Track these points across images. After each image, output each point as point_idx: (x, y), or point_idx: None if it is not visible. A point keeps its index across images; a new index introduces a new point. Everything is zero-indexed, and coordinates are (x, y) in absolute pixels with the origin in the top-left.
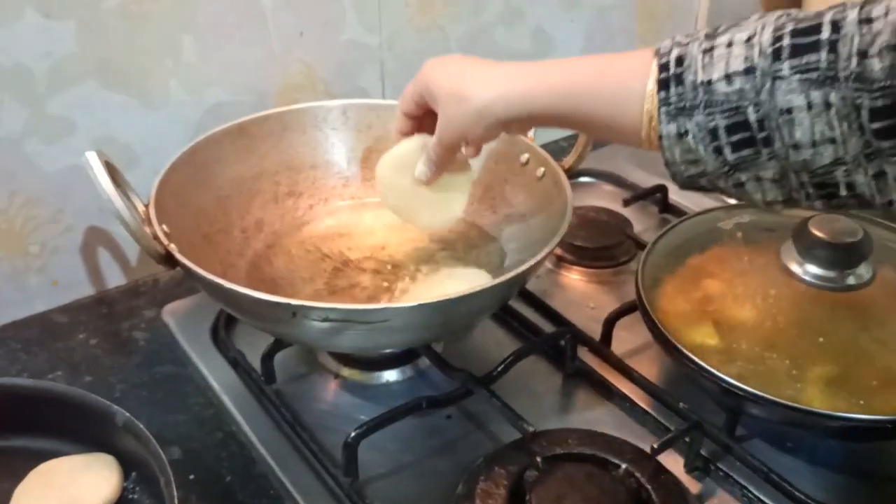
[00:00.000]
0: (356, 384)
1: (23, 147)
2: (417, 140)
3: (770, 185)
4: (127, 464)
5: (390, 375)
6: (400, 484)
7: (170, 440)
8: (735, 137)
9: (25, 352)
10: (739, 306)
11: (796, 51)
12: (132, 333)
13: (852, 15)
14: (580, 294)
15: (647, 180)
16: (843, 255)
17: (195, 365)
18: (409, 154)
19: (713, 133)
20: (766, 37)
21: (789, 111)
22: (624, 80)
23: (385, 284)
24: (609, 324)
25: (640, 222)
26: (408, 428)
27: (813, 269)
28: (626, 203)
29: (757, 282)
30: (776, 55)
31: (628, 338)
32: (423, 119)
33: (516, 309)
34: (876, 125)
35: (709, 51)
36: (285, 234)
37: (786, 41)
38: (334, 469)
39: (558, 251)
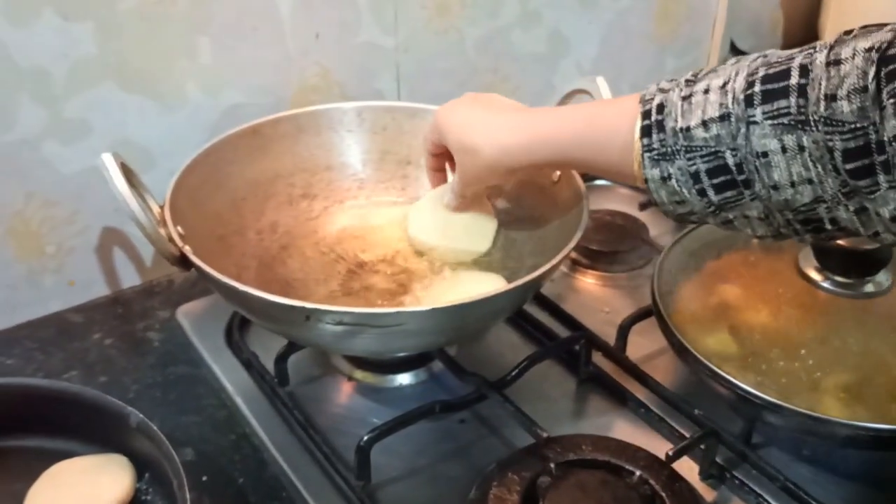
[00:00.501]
0: (369, 387)
1: (40, 148)
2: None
3: (758, 222)
4: (140, 465)
5: (404, 379)
6: (412, 488)
7: (183, 441)
8: (717, 180)
9: (41, 351)
10: (756, 313)
11: (767, 97)
12: (147, 334)
13: (820, 58)
14: (595, 298)
15: None
16: (861, 263)
17: (209, 366)
18: (438, 196)
19: (695, 176)
20: (740, 83)
21: (765, 154)
22: (612, 128)
23: (399, 287)
24: (624, 329)
25: (656, 226)
26: (421, 432)
27: (831, 276)
28: (643, 207)
29: (774, 288)
30: (749, 101)
31: (643, 343)
32: (449, 156)
33: (531, 313)
34: (850, 166)
35: (687, 98)
36: (300, 235)
37: (757, 87)
38: (346, 472)
39: (573, 255)
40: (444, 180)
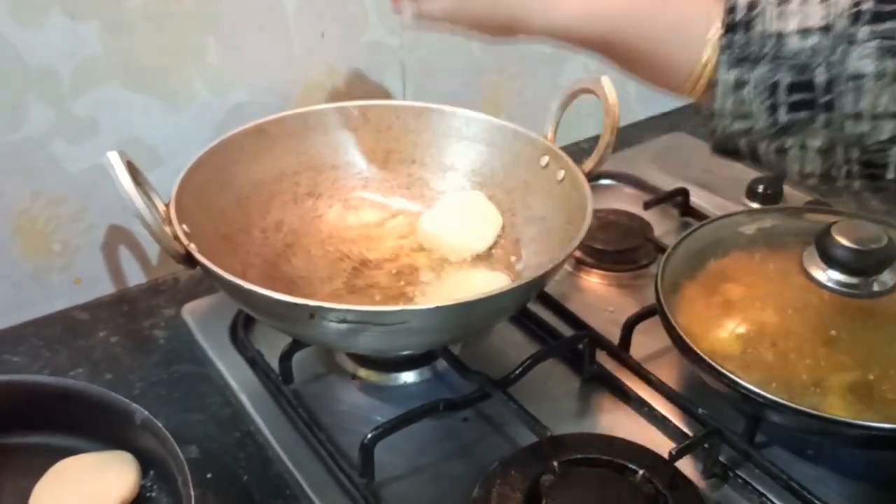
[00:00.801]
0: (373, 385)
1: (47, 147)
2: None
3: (814, 155)
4: (145, 462)
5: (408, 377)
6: (416, 486)
7: (188, 439)
8: (795, 97)
9: (47, 349)
10: (760, 312)
11: (878, 16)
12: (152, 332)
13: None
14: (599, 297)
15: (668, 183)
16: (866, 262)
17: (214, 364)
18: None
19: (773, 88)
20: None
21: (858, 77)
22: (687, 15)
23: (403, 285)
24: (628, 328)
25: (661, 225)
26: (424, 430)
27: (836, 275)
28: (647, 206)
29: (779, 287)
30: (855, 17)
31: (647, 342)
32: None
33: (535, 312)
34: None
35: (783, 2)
36: (304, 234)
37: (867, 5)
38: (350, 470)
39: (578, 254)
40: None
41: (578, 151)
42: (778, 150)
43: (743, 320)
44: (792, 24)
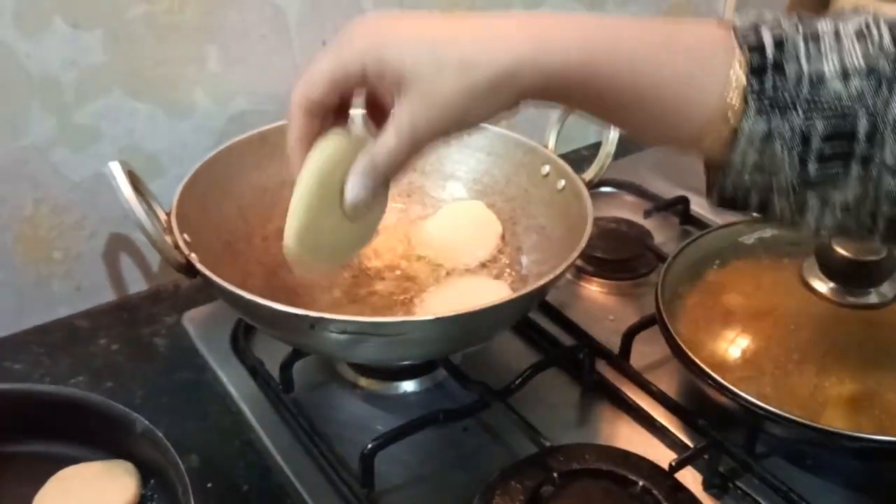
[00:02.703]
0: (374, 394)
1: (49, 155)
2: (334, 146)
3: (839, 212)
4: (146, 471)
5: (408, 386)
6: (416, 496)
7: (188, 447)
8: (830, 149)
9: (48, 356)
10: (760, 322)
11: None
12: (153, 339)
13: None
14: (599, 306)
15: (668, 191)
16: (866, 273)
17: (214, 372)
18: (331, 168)
19: (805, 139)
20: (886, 35)
21: None
22: (701, 56)
23: (404, 293)
24: (628, 337)
25: (661, 234)
26: (425, 439)
27: (835, 286)
28: (647, 214)
29: (778, 298)
30: None
31: (648, 351)
32: (336, 114)
33: (535, 320)
34: None
35: (815, 38)
36: None
37: None
38: (351, 480)
39: (578, 262)
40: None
41: (579, 159)
42: (797, 208)
43: (743, 330)
44: (831, 65)
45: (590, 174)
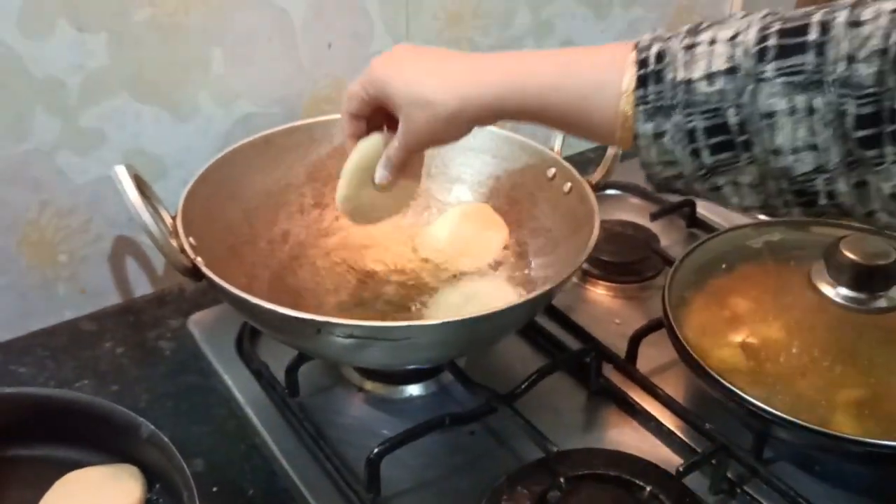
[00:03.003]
0: (379, 398)
1: (54, 158)
2: (373, 141)
3: (748, 190)
4: (151, 475)
5: (414, 390)
6: (422, 501)
7: (194, 452)
8: (714, 140)
9: (53, 360)
10: (768, 326)
11: (782, 52)
12: (158, 343)
13: (841, 17)
14: (606, 309)
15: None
16: (874, 278)
17: (219, 376)
18: (367, 157)
19: (691, 134)
20: (752, 36)
21: (771, 115)
22: (599, 74)
23: (410, 296)
24: (635, 341)
25: (667, 237)
26: (430, 444)
27: (843, 290)
28: (654, 217)
29: (786, 302)
30: (761, 55)
31: (654, 355)
32: (371, 118)
33: (541, 324)
34: (860, 133)
35: (690, 47)
36: (311, 245)
37: (772, 41)
38: (356, 485)
39: (584, 265)
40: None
41: (585, 161)
42: (712, 189)
43: (750, 335)
44: (699, 70)
45: (596, 177)
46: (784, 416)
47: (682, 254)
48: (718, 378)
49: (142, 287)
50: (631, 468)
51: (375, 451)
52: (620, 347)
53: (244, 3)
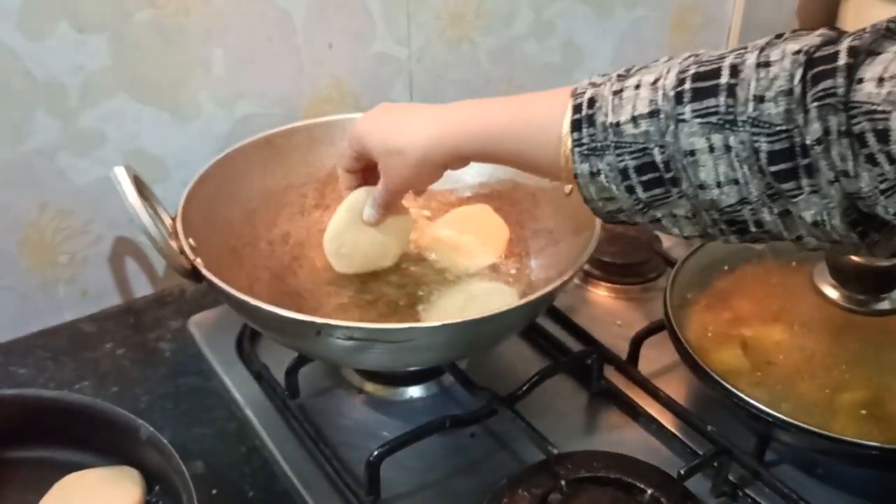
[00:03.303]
0: (380, 400)
1: (55, 159)
2: (361, 193)
3: (685, 221)
4: (150, 477)
5: (414, 391)
6: (422, 503)
7: (193, 453)
8: (645, 177)
9: (53, 361)
10: (770, 328)
11: (697, 94)
12: (158, 344)
13: (751, 59)
14: (607, 311)
15: None
16: (877, 280)
17: (220, 377)
18: (355, 205)
19: (624, 173)
20: (670, 80)
21: (692, 153)
22: (542, 121)
23: (410, 297)
24: (636, 343)
25: (669, 238)
26: (431, 446)
27: (846, 292)
28: None
29: (788, 304)
30: (678, 98)
31: (656, 357)
32: (365, 172)
33: (543, 326)
34: (774, 168)
35: (618, 93)
36: (311, 246)
37: (687, 85)
38: (356, 487)
39: (586, 267)
40: None
41: None
42: (652, 221)
43: (752, 337)
44: (625, 114)
45: None
46: (786, 418)
47: (684, 255)
48: (720, 380)
49: (142, 288)
50: (632, 471)
51: (375, 453)
52: (622, 349)
53: (245, 4)
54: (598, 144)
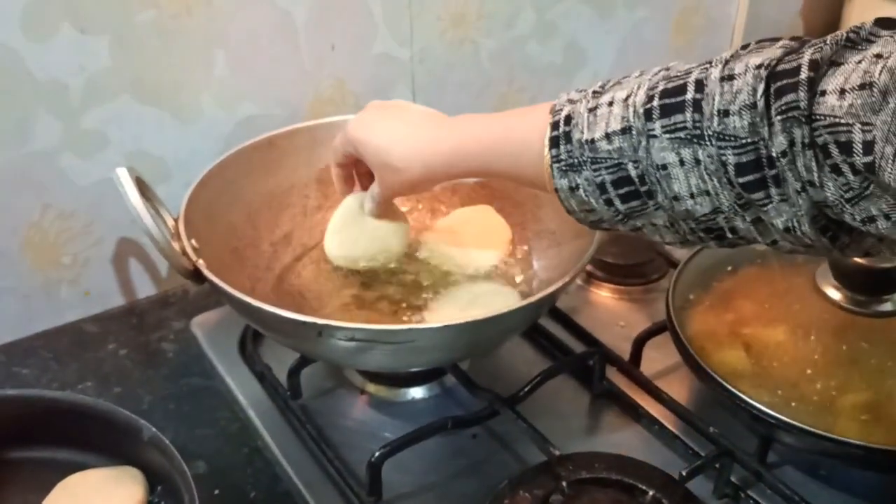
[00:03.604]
0: (382, 400)
1: (57, 161)
2: (353, 198)
3: (665, 230)
4: (153, 477)
5: (416, 392)
6: None
7: (196, 454)
8: (621, 191)
9: (56, 361)
10: (772, 330)
11: (665, 111)
12: (161, 345)
13: (715, 73)
14: (610, 312)
15: None
16: (879, 281)
17: (222, 378)
18: (354, 202)
19: (601, 187)
20: (640, 97)
21: (665, 167)
22: (525, 139)
23: (413, 298)
24: (638, 344)
25: None
26: (433, 447)
27: (849, 294)
28: None
29: (791, 305)
30: (648, 115)
31: (658, 358)
32: (357, 166)
33: (545, 326)
34: (742, 179)
35: (593, 109)
36: (314, 247)
37: (656, 102)
38: (358, 488)
39: (588, 267)
40: (352, 187)
41: None
42: (633, 230)
43: (754, 338)
44: (599, 131)
45: None
46: (788, 420)
47: (687, 256)
48: (722, 381)
49: (145, 289)
50: (634, 472)
51: (377, 454)
52: (624, 350)
53: (247, 5)
54: (576, 160)
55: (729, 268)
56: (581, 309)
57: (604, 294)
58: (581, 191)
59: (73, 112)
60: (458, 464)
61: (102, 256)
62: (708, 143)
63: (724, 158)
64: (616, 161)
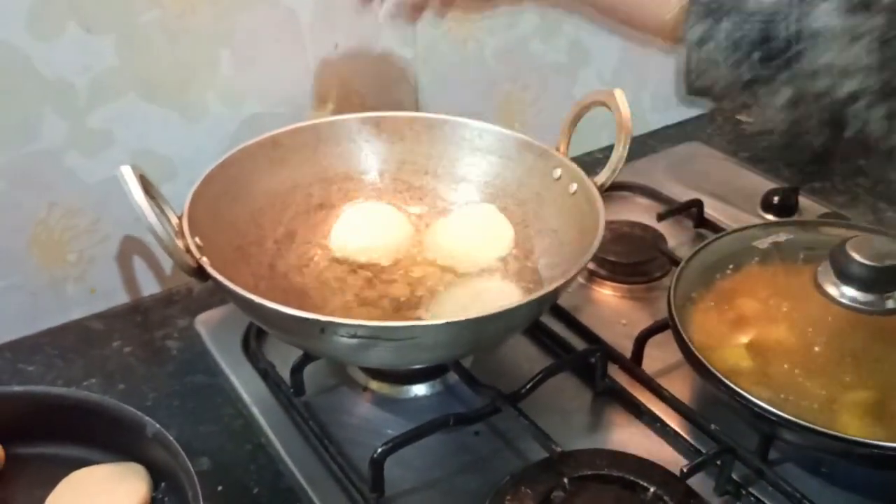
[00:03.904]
0: (385, 397)
1: (63, 159)
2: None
3: (777, 111)
4: (157, 474)
5: (419, 389)
6: (426, 501)
7: (199, 450)
8: (759, 52)
9: (62, 358)
10: (774, 327)
11: None
12: (165, 342)
13: None
14: (612, 310)
15: (682, 194)
16: (881, 278)
17: (226, 375)
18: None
19: (738, 44)
20: None
21: (821, 34)
22: None
23: (415, 296)
24: (640, 342)
25: (675, 237)
26: (435, 444)
27: (850, 291)
28: (661, 217)
29: (792, 303)
30: None
31: (660, 356)
32: None
33: (547, 324)
34: None
35: None
36: (317, 245)
37: None
38: (361, 484)
39: (590, 266)
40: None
41: (592, 161)
42: (742, 105)
43: (756, 336)
44: None
45: (602, 177)
46: (790, 417)
47: (689, 254)
48: (724, 379)
49: (150, 286)
50: (635, 469)
51: (379, 450)
52: (626, 348)
53: (251, 4)
54: (720, 6)
55: (731, 266)
56: (583, 307)
57: (606, 292)
58: (712, 44)
59: (79, 111)
60: (461, 460)
61: (108, 254)
62: (877, 14)
63: (890, 34)
64: (768, 17)
